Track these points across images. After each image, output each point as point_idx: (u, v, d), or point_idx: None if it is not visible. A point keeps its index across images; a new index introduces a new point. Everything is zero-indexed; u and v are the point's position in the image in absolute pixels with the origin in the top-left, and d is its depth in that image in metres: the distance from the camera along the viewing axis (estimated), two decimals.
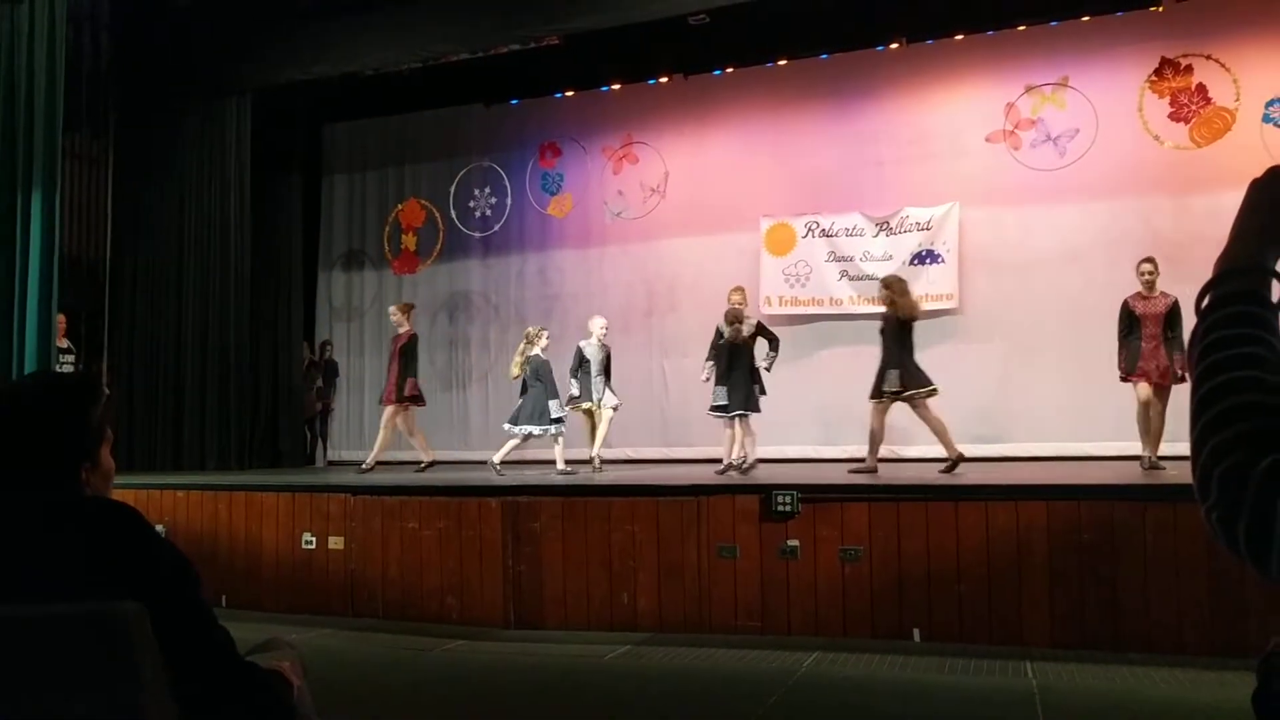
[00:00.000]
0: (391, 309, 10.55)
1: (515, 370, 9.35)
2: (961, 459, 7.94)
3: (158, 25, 11.09)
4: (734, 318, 8.87)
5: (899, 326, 8.32)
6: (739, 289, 9.34)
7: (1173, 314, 7.78)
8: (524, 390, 9.33)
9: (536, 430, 9.17)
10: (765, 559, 6.45)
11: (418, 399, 10.11)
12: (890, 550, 6.20)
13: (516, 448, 9.30)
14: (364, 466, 10.03)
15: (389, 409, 10.01)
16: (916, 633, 6.11)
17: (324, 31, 10.84)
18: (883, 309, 8.58)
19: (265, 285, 12.38)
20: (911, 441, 10.38)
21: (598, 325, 9.52)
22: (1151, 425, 7.76)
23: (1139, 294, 7.96)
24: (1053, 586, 5.89)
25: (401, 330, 10.19)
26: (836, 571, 6.29)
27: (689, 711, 4.97)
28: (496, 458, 9.15)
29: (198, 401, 11.35)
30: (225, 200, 11.59)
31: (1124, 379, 7.95)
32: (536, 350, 9.31)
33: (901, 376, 8.12)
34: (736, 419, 8.72)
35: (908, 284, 8.82)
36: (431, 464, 9.94)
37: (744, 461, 8.64)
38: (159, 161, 11.58)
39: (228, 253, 11.55)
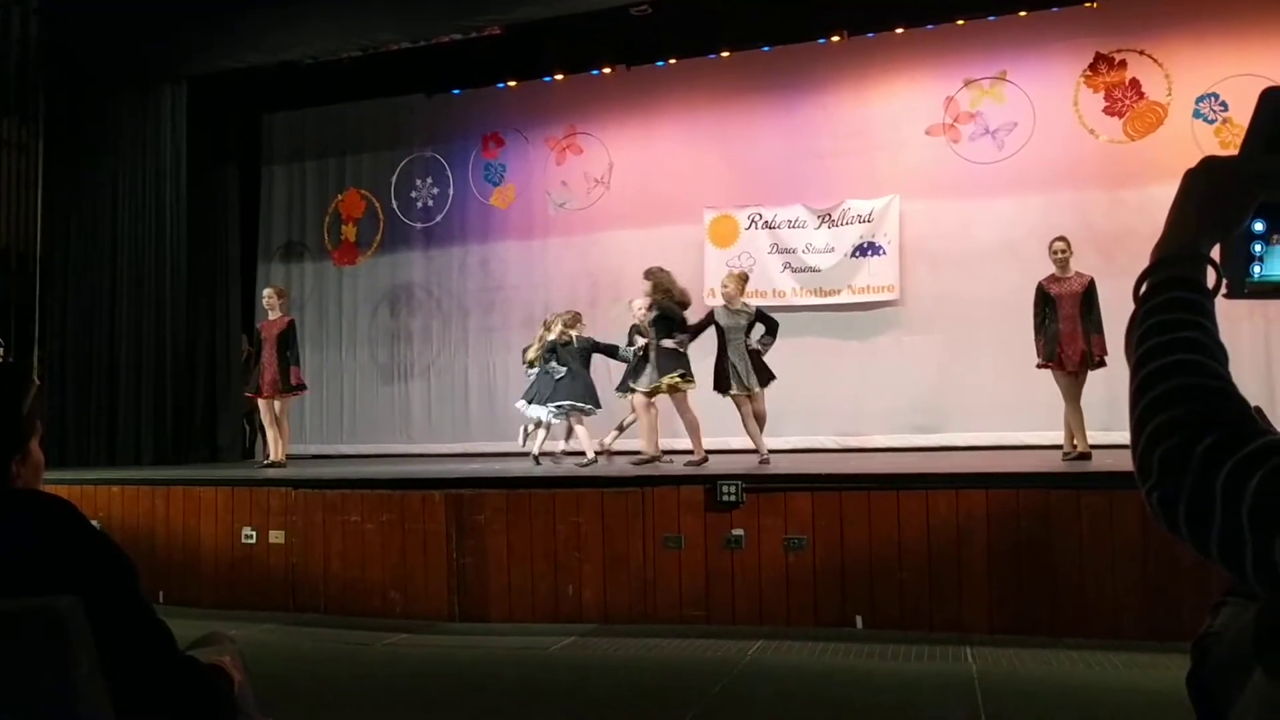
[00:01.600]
0: (266, 292, 10.26)
1: (533, 355, 9.37)
2: (706, 459, 8.18)
3: (89, 9, 10.83)
4: (571, 322, 9.35)
5: (679, 313, 8.51)
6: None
7: (1089, 294, 7.72)
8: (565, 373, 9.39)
9: (546, 414, 9.40)
10: (710, 549, 6.48)
11: (302, 387, 9.99)
12: (833, 539, 6.25)
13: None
14: (279, 461, 9.71)
15: (278, 402, 9.73)
16: (859, 620, 6.17)
17: (261, 19, 10.65)
18: (654, 300, 8.54)
19: (202, 277, 12.16)
20: (859, 431, 10.50)
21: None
22: (1076, 412, 7.72)
23: (1053, 275, 7.90)
24: (992, 573, 5.98)
25: (274, 316, 9.90)
26: (780, 561, 6.34)
27: (634, 702, 4.98)
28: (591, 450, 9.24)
29: (133, 395, 11.13)
30: (160, 189, 11.36)
31: (1042, 366, 7.88)
32: (552, 336, 9.36)
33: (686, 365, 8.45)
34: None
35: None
36: (274, 464, 9.56)
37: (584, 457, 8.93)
38: (91, 149, 11.32)
39: (163, 243, 11.32)
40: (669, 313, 8.45)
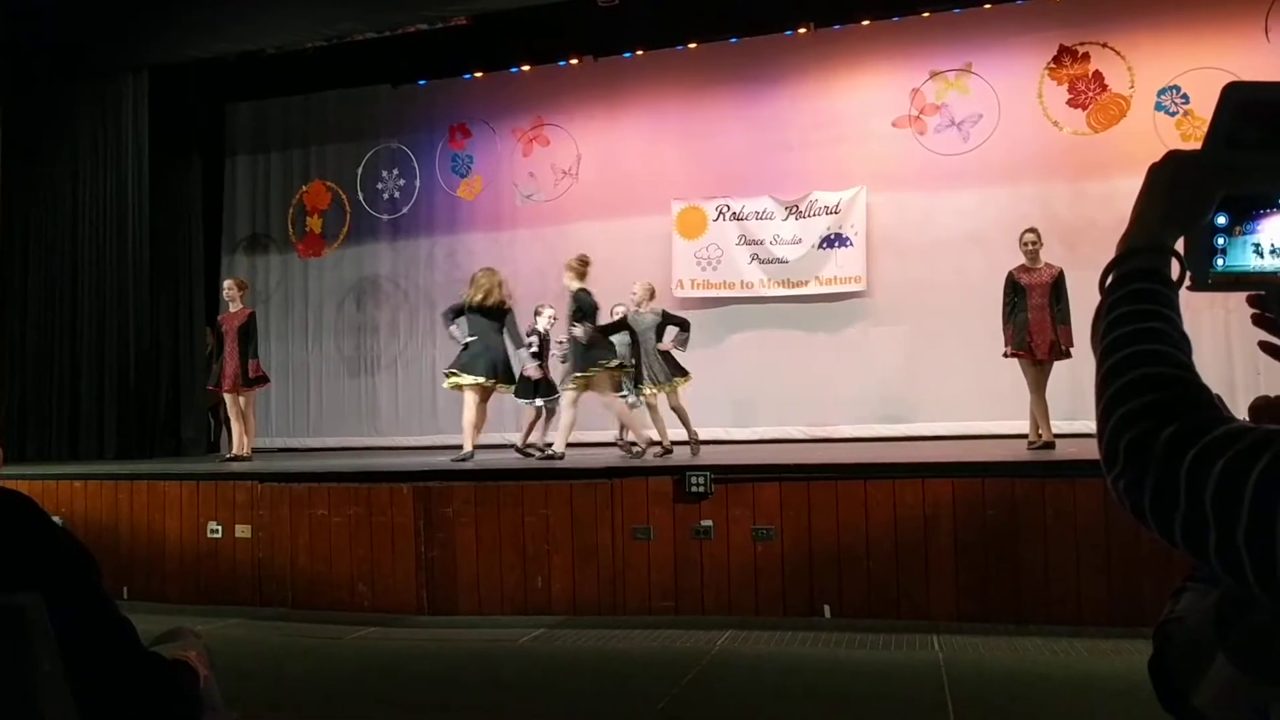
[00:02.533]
0: (227, 284, 10.13)
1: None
2: (471, 457, 8.24)
3: None
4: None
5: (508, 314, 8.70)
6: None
7: (1058, 285, 7.78)
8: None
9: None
10: (679, 540, 6.49)
11: (263, 380, 9.90)
12: (801, 529, 6.28)
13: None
14: (244, 455, 9.63)
15: (242, 396, 9.65)
16: (827, 609, 6.21)
17: (223, 7, 10.52)
18: (494, 296, 8.62)
19: (165, 269, 12.01)
20: (827, 422, 10.55)
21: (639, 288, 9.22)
22: (1040, 402, 7.80)
23: (1023, 266, 7.97)
24: (958, 562, 6.03)
25: (235, 308, 9.79)
26: (749, 551, 6.36)
27: (603, 693, 4.98)
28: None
29: (95, 389, 10.99)
30: (122, 180, 11.22)
31: (1011, 355, 7.94)
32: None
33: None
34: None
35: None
36: (239, 458, 9.51)
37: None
38: (51, 140, 11.15)
39: (125, 235, 11.19)
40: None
